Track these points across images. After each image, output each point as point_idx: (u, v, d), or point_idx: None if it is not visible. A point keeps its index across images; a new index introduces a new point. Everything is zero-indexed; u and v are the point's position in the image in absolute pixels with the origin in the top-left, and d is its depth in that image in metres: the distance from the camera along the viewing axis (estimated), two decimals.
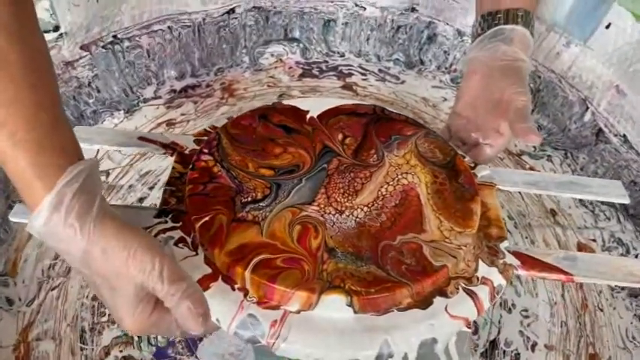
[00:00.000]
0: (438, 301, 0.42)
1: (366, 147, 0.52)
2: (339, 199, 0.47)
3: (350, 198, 0.47)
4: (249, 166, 0.49)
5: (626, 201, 0.54)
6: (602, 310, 0.59)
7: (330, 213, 0.46)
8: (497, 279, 0.44)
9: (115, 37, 0.67)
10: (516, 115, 0.51)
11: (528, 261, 0.46)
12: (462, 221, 0.46)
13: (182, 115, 0.70)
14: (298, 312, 0.40)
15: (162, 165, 0.65)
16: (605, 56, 0.65)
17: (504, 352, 0.55)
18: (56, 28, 0.61)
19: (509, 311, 0.58)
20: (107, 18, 0.65)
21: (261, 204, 0.46)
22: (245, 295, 0.41)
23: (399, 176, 0.50)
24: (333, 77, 0.77)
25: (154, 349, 0.53)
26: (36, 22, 0.39)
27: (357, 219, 0.45)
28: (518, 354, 0.55)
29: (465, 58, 0.59)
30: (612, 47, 0.64)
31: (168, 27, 0.70)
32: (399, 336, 0.40)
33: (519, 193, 0.68)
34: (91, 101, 0.68)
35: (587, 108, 0.68)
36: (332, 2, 0.75)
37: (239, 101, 0.73)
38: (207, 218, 0.44)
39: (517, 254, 0.46)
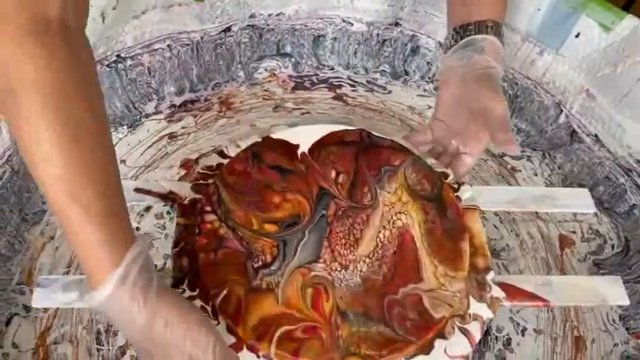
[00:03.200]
0: (438, 343, 0.47)
1: (359, 185, 0.57)
2: (342, 252, 0.52)
3: (352, 249, 0.52)
4: (254, 223, 0.53)
5: (592, 210, 0.60)
6: None
7: (336, 270, 0.50)
8: (486, 313, 0.50)
9: (118, 56, 0.70)
10: (496, 125, 0.54)
11: (511, 291, 0.52)
12: (454, 264, 0.52)
13: (183, 128, 0.74)
14: None
15: (167, 175, 0.68)
16: (576, 63, 0.70)
17: (497, 337, 0.59)
18: None
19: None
20: (112, 38, 0.68)
21: (272, 268, 0.50)
22: None
23: (394, 217, 0.55)
24: (324, 89, 0.81)
25: None
26: (106, 116, 0.41)
27: (361, 273, 0.50)
28: (510, 339, 0.59)
29: (440, 68, 0.61)
30: (582, 54, 0.69)
31: (168, 45, 0.73)
32: None
33: None
34: None
35: (562, 111, 0.73)
36: (321, 19, 0.79)
37: (236, 114, 0.76)
38: (224, 292, 0.48)
39: (501, 285, 0.52)
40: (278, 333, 0.46)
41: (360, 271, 0.50)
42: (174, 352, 0.40)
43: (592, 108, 0.70)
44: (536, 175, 0.74)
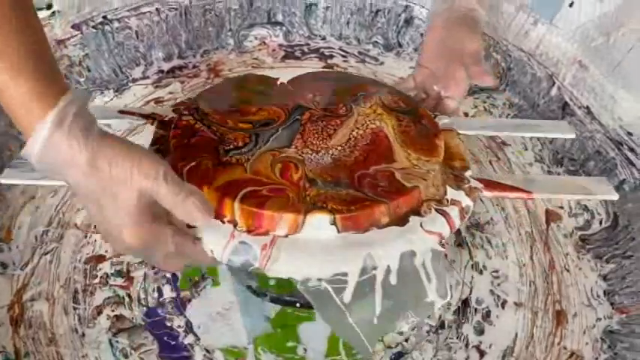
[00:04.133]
0: (413, 219, 0.45)
1: (335, 102, 0.55)
2: (314, 142, 0.50)
3: (325, 141, 0.50)
4: (229, 122, 0.51)
5: (572, 136, 0.58)
6: (568, 271, 0.62)
7: (307, 153, 0.48)
8: (465, 200, 0.47)
9: (104, 17, 0.69)
10: (470, 59, 0.56)
11: (491, 184, 0.50)
12: (428, 153, 0.50)
13: (170, 93, 0.73)
14: (286, 236, 0.42)
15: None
16: (569, 33, 0.68)
17: (475, 309, 0.58)
18: (49, 6, 0.64)
19: (481, 272, 0.61)
20: None
21: (242, 150, 0.48)
22: (235, 227, 0.43)
23: (368, 122, 0.53)
24: (314, 59, 0.80)
25: (144, 309, 0.56)
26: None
27: (333, 156, 0.48)
28: (489, 311, 0.58)
29: (428, 13, 0.63)
30: (576, 24, 0.67)
31: (156, 9, 0.73)
32: (380, 249, 0.42)
33: (492, 167, 0.71)
34: (82, 80, 0.70)
35: (554, 83, 0.72)
36: None
37: None
38: (193, 163, 0.46)
39: (480, 180, 0.50)
40: (243, 191, 0.44)
41: (332, 155, 0.49)
42: (122, 189, 0.38)
43: (584, 79, 0.69)
44: (526, 149, 0.73)
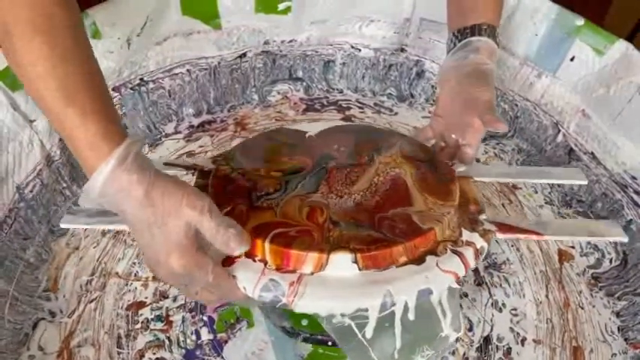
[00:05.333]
0: (430, 259, 0.48)
1: (358, 151, 0.59)
2: (338, 188, 0.54)
3: (348, 187, 0.54)
4: (261, 171, 0.56)
5: (584, 182, 0.60)
6: (582, 308, 0.65)
7: (332, 198, 0.52)
8: (480, 242, 0.50)
9: (141, 79, 0.75)
10: (484, 108, 0.58)
11: (504, 226, 0.52)
12: (444, 197, 0.53)
13: (200, 147, 0.78)
14: (312, 274, 0.46)
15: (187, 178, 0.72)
16: (572, 85, 0.73)
17: (497, 346, 0.61)
18: None
19: (500, 310, 0.64)
20: (136, 63, 0.73)
21: (273, 195, 0.52)
22: (265, 265, 0.47)
23: (388, 169, 0.57)
24: (333, 111, 0.85)
25: (183, 351, 0.58)
26: (91, 48, 0.45)
27: (355, 200, 0.52)
28: (510, 348, 0.61)
29: (440, 68, 0.65)
30: (577, 77, 0.72)
31: (187, 70, 0.78)
32: (399, 286, 0.45)
33: (505, 209, 0.75)
34: None
35: (559, 130, 0.76)
36: (331, 45, 0.84)
37: (250, 134, 0.80)
38: (228, 208, 0.50)
39: (494, 222, 0.53)
40: (273, 232, 0.47)
41: (354, 199, 0.52)
42: (171, 219, 0.42)
43: (588, 127, 0.73)
44: (536, 192, 0.77)
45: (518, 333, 0.62)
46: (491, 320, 0.63)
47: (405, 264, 0.47)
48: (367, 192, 0.54)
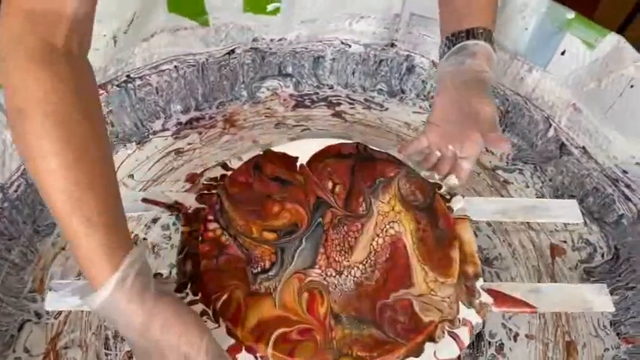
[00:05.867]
0: (428, 347, 0.50)
1: (355, 195, 0.59)
2: (337, 259, 0.54)
3: (346, 256, 0.54)
4: (254, 231, 0.55)
5: (580, 220, 0.62)
6: None
7: (331, 275, 0.53)
8: (475, 318, 0.52)
9: (128, 76, 0.74)
10: (486, 125, 0.55)
11: (499, 297, 0.54)
12: (444, 270, 0.54)
13: (188, 144, 0.77)
14: None
15: (173, 189, 0.71)
16: (563, 79, 0.73)
17: (489, 342, 0.60)
18: None
19: None
20: (122, 60, 0.72)
21: (270, 273, 0.52)
22: None
23: (387, 226, 0.57)
24: (323, 107, 0.84)
25: None
26: (107, 137, 0.45)
27: (355, 278, 0.53)
28: (502, 344, 0.61)
29: (436, 74, 0.63)
30: (568, 71, 0.72)
31: (175, 66, 0.77)
32: None
33: None
34: None
35: (550, 125, 0.76)
36: (321, 42, 0.83)
37: (239, 131, 0.80)
38: (225, 297, 0.50)
39: (490, 292, 0.54)
40: (275, 335, 0.48)
41: (354, 276, 0.53)
42: (170, 353, 0.42)
43: (579, 121, 0.73)
44: (527, 187, 0.76)
45: (510, 329, 0.62)
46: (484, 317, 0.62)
47: (405, 357, 0.49)
48: (367, 264, 0.54)
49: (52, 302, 0.52)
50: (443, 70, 0.61)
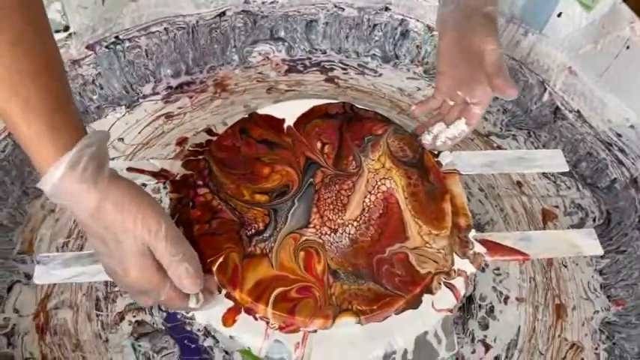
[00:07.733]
0: (426, 298, 0.50)
1: (344, 154, 0.59)
2: (331, 217, 0.54)
3: (340, 214, 0.54)
4: (245, 194, 0.55)
5: (566, 169, 0.62)
6: (565, 267, 0.65)
7: (326, 234, 0.52)
8: (470, 268, 0.53)
9: (116, 37, 0.72)
10: (491, 69, 0.51)
11: (492, 247, 0.55)
12: (437, 223, 0.54)
13: (179, 108, 0.76)
14: (315, 331, 0.48)
15: (163, 153, 0.70)
16: (559, 42, 0.72)
17: (480, 305, 0.61)
18: (66, 29, 0.66)
19: (483, 270, 0.63)
20: (110, 20, 0.70)
21: (264, 235, 0.52)
22: (267, 323, 0.48)
23: (378, 183, 0.57)
24: (316, 72, 0.83)
25: (164, 314, 0.57)
26: (49, 29, 0.40)
27: (350, 235, 0.53)
28: (493, 307, 0.61)
29: (437, 18, 0.58)
30: (564, 34, 0.71)
31: (165, 29, 0.76)
32: (398, 336, 0.49)
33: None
34: (94, 97, 0.73)
35: (545, 89, 0.76)
36: (313, 5, 0.82)
37: (231, 95, 0.78)
38: (221, 259, 0.50)
39: (483, 242, 0.55)
40: (274, 294, 0.48)
41: (349, 233, 0.53)
42: (126, 237, 0.40)
43: (574, 85, 0.73)
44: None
45: (501, 292, 0.62)
46: (474, 280, 0.63)
47: (404, 309, 0.50)
48: (361, 221, 0.54)
49: (41, 276, 0.51)
50: (443, 12, 0.57)
